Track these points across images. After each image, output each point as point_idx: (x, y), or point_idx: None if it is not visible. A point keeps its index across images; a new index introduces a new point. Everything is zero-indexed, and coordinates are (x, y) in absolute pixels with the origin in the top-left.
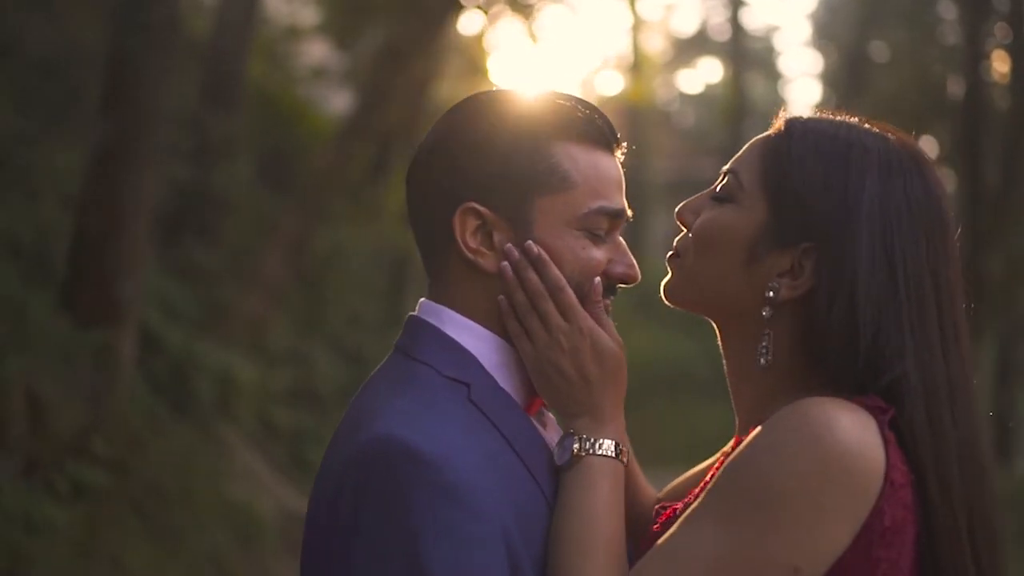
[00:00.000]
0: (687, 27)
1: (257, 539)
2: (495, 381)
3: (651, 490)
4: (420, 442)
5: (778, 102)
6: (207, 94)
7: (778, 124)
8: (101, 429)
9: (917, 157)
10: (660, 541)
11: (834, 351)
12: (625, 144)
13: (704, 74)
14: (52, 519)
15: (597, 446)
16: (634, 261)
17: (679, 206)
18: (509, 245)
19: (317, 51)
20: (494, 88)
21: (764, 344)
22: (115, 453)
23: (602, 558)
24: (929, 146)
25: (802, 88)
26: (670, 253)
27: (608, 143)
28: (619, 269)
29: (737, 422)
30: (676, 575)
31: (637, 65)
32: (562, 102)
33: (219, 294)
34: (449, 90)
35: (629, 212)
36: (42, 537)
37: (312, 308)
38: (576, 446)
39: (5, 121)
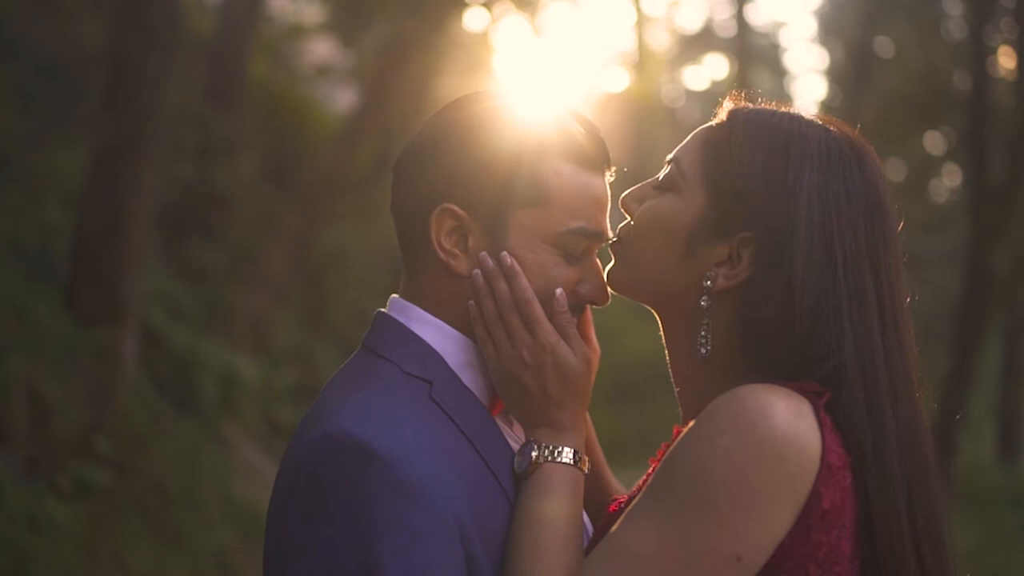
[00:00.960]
0: (692, 23)
1: (261, 537)
2: (459, 380)
3: (621, 490)
4: (374, 438)
5: (784, 98)
6: (210, 93)
7: (721, 114)
8: (104, 428)
9: (857, 148)
10: (604, 537)
11: (772, 340)
12: (615, 168)
13: (710, 71)
14: (55, 518)
15: (556, 454)
16: (605, 283)
17: (624, 194)
18: (484, 253)
19: (322, 49)
20: (491, 90)
21: (703, 333)
22: (118, 452)
23: (556, 564)
24: (935, 142)
25: (808, 84)
26: (613, 240)
27: (598, 164)
28: (586, 290)
29: (681, 412)
30: (619, 570)
31: (642, 61)
32: (556, 117)
33: (222, 292)
34: (453, 87)
35: (610, 234)
36: (45, 536)
37: (316, 306)
38: (535, 453)
39: (8, 122)
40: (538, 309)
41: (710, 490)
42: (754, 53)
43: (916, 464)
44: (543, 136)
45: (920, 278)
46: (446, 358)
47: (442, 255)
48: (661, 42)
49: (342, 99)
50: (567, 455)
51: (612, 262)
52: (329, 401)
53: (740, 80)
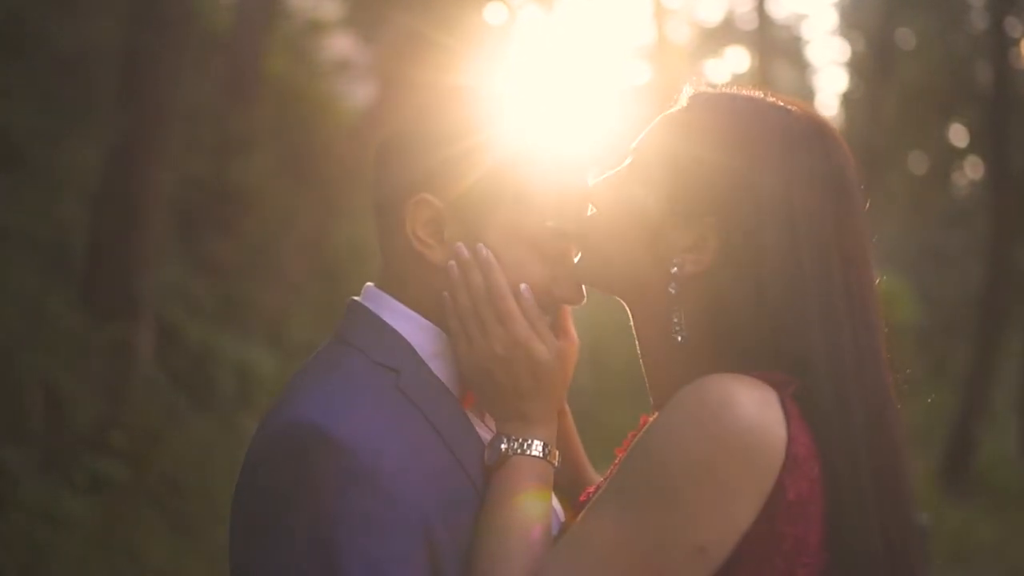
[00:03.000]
0: (713, 16)
1: None
2: (429, 370)
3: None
4: (335, 427)
5: (806, 91)
6: (227, 89)
7: (681, 100)
8: (119, 422)
9: (820, 129)
10: (569, 528)
11: (741, 326)
12: (600, 168)
13: (730, 64)
14: (70, 512)
15: (525, 446)
16: (580, 283)
17: (589, 185)
18: (460, 244)
19: (340, 45)
20: (479, 85)
21: (676, 320)
22: (133, 446)
23: (523, 557)
24: (959, 134)
25: (829, 77)
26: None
27: (580, 164)
28: (563, 291)
29: (652, 402)
30: (582, 561)
31: (662, 55)
32: (542, 114)
33: (239, 287)
34: (471, 82)
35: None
36: (60, 530)
37: (331, 300)
38: (504, 446)
39: (26, 118)
40: (512, 303)
41: (673, 481)
42: (775, 46)
43: (885, 450)
44: (526, 133)
45: (943, 273)
46: (418, 349)
47: (417, 245)
48: (681, 35)
49: (360, 94)
50: (537, 448)
51: (579, 255)
52: (294, 389)
53: (761, 73)
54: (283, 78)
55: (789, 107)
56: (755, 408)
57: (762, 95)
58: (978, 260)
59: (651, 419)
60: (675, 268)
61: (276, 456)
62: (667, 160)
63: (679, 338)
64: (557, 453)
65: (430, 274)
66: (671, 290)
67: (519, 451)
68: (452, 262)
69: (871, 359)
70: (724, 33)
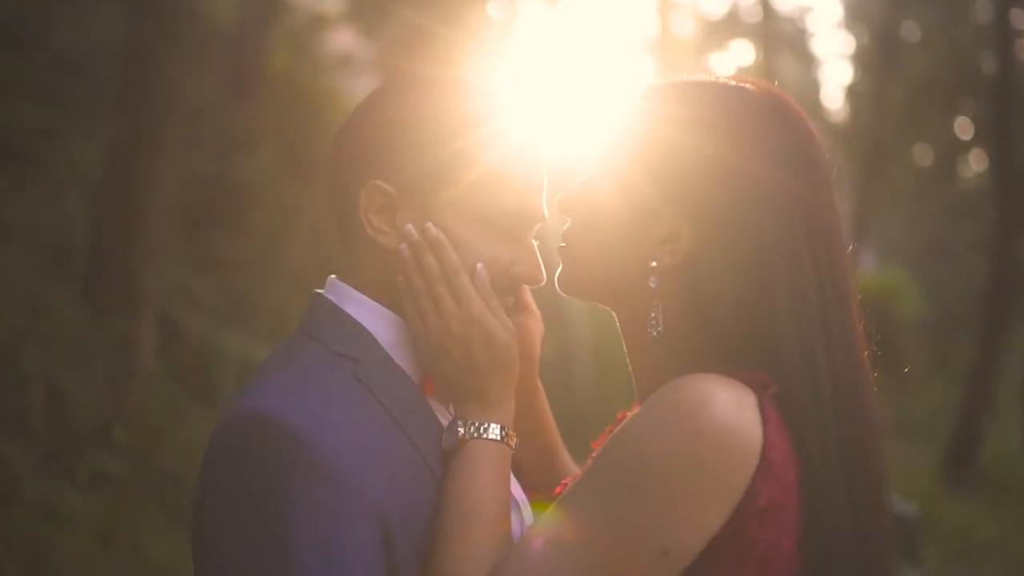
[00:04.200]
0: (717, 9)
1: None
2: (390, 359)
3: (575, 470)
4: (290, 417)
5: (811, 83)
6: (230, 85)
7: (638, 95)
8: (121, 419)
9: (780, 105)
10: (537, 520)
11: (717, 315)
12: (553, 147)
13: (735, 57)
14: (72, 509)
15: (482, 430)
16: (540, 263)
17: (560, 196)
18: (409, 226)
19: (344, 40)
20: (433, 72)
21: (653, 315)
22: (135, 443)
23: (480, 542)
24: (965, 126)
25: (834, 70)
26: (560, 245)
27: (535, 144)
28: (523, 270)
29: (637, 397)
30: (547, 555)
31: (666, 48)
32: (497, 97)
33: (242, 284)
34: (475, 76)
35: (547, 214)
36: (62, 526)
37: None
38: (461, 431)
39: (29, 115)
40: (466, 281)
41: (643, 480)
42: (780, 39)
43: (857, 438)
44: (479, 116)
45: (948, 266)
46: (378, 337)
47: (370, 231)
48: (685, 29)
49: (363, 89)
50: (494, 431)
51: (560, 267)
52: (253, 379)
53: (766, 66)
54: (286, 74)
55: (747, 86)
56: (732, 409)
57: (717, 78)
58: (983, 253)
59: (629, 414)
60: (655, 262)
61: (230, 446)
62: (632, 156)
63: (655, 333)
64: (515, 436)
65: (387, 261)
66: (651, 284)
67: (476, 435)
68: (403, 244)
69: (844, 341)
70: (728, 26)
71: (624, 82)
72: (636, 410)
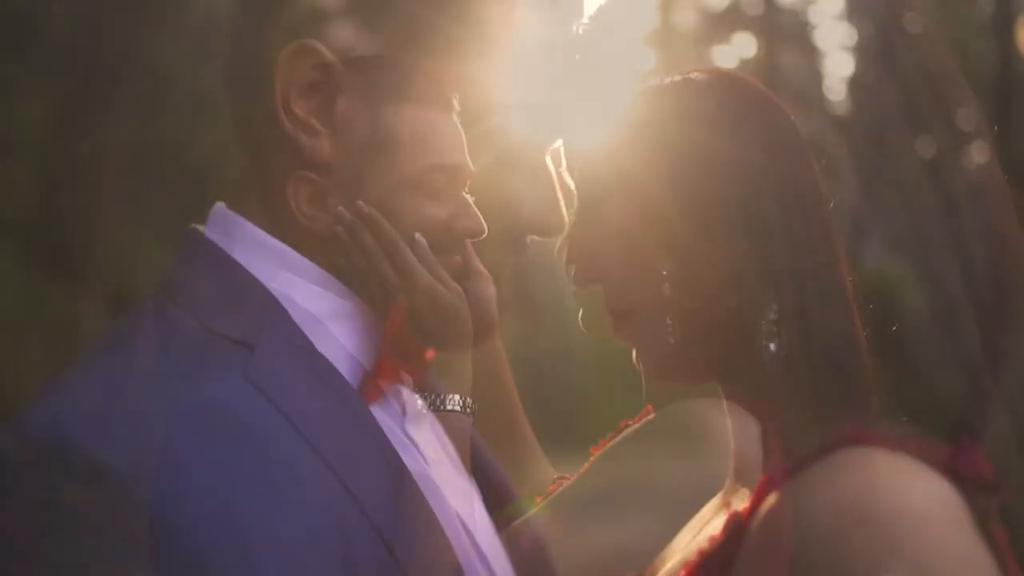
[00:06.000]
0: (719, 1)
1: None
2: (305, 337)
3: (543, 460)
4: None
5: (814, 75)
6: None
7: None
8: None
9: (749, 93)
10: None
11: (721, 309)
12: (457, 101)
13: (738, 49)
14: None
15: (439, 402)
16: (477, 213)
17: (565, 257)
18: (340, 208)
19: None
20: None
21: (670, 323)
22: None
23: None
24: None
25: (837, 62)
26: (615, 320)
27: (444, 102)
28: (463, 224)
29: (645, 397)
30: None
31: (668, 41)
32: (395, 64)
33: None
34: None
35: (471, 166)
36: None
37: None
38: (420, 403)
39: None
40: (407, 252)
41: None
42: (782, 31)
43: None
44: (384, 83)
45: (951, 259)
46: (298, 304)
47: (306, 221)
48: (687, 21)
49: None
50: (454, 401)
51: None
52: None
53: (768, 59)
54: None
55: (718, 77)
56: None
57: (686, 74)
58: (986, 245)
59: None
60: (665, 270)
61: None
62: (619, 175)
63: (671, 340)
64: (474, 403)
65: (323, 246)
66: (666, 291)
67: (436, 407)
68: (338, 227)
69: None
70: (731, 18)
71: (624, 77)
72: (647, 418)
